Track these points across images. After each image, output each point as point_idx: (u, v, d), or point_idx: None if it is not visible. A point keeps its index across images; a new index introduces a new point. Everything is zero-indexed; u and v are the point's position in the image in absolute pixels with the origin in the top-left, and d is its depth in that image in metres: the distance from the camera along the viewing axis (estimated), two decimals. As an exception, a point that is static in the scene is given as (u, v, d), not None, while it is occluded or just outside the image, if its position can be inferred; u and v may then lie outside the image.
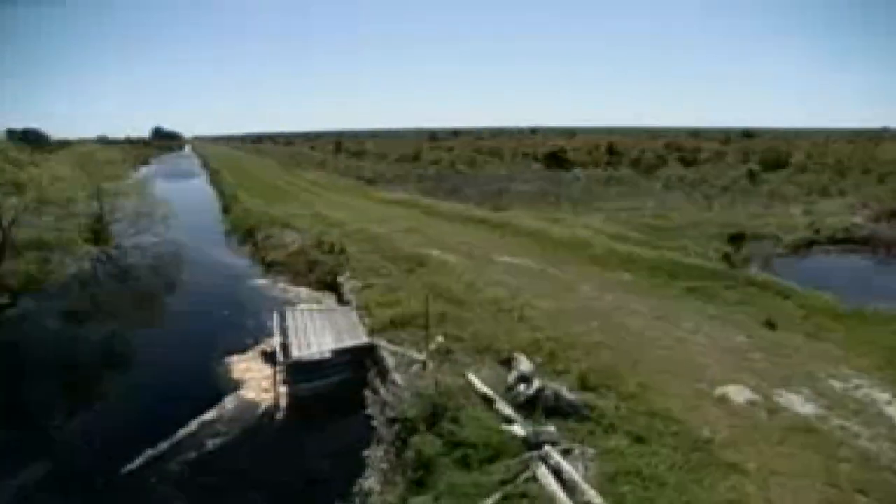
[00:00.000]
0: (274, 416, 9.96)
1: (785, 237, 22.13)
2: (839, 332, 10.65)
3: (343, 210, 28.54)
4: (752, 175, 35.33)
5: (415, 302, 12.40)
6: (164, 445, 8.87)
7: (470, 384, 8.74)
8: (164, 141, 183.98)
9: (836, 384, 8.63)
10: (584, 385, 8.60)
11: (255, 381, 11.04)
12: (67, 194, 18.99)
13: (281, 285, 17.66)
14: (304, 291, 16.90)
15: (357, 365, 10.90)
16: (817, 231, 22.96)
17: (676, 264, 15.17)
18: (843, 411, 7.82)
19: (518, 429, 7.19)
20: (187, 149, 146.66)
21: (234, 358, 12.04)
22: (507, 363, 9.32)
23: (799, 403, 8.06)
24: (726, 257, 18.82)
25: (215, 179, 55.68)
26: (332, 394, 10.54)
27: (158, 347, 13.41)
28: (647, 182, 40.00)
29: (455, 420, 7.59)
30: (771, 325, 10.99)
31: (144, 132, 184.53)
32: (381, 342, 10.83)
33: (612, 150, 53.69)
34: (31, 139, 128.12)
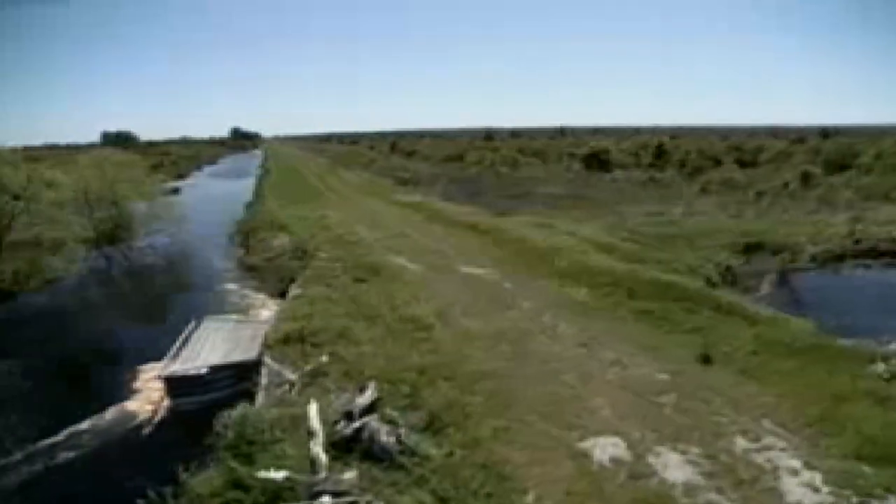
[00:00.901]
0: (143, 430, 9.64)
1: (813, 248, 19.29)
2: (785, 371, 8.76)
3: (349, 212, 28.43)
4: (805, 178, 31.45)
5: (328, 317, 11.79)
6: (17, 455, 8.75)
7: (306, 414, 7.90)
8: (240, 141, 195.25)
9: (741, 442, 6.98)
10: (431, 424, 7.54)
11: (149, 392, 10.81)
12: (58, 198, 19.86)
13: (244, 291, 17.60)
14: (260, 298, 16.70)
15: (245, 381, 10.36)
16: (857, 242, 19.83)
17: (643, 281, 13.40)
18: (726, 481, 6.24)
19: (277, 474, 6.26)
20: (259, 149, 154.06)
21: (147, 367, 11.90)
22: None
23: (675, 467, 6.55)
24: (727, 272, 16.69)
25: (261, 179, 57.76)
26: (214, 409, 10.09)
27: (79, 349, 13.60)
28: (687, 185, 36.94)
29: (248, 456, 6.81)
30: (706, 359, 9.27)
31: (225, 132, 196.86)
32: (267, 359, 10.24)
33: (661, 151, 50.16)
34: (124, 140, 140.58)
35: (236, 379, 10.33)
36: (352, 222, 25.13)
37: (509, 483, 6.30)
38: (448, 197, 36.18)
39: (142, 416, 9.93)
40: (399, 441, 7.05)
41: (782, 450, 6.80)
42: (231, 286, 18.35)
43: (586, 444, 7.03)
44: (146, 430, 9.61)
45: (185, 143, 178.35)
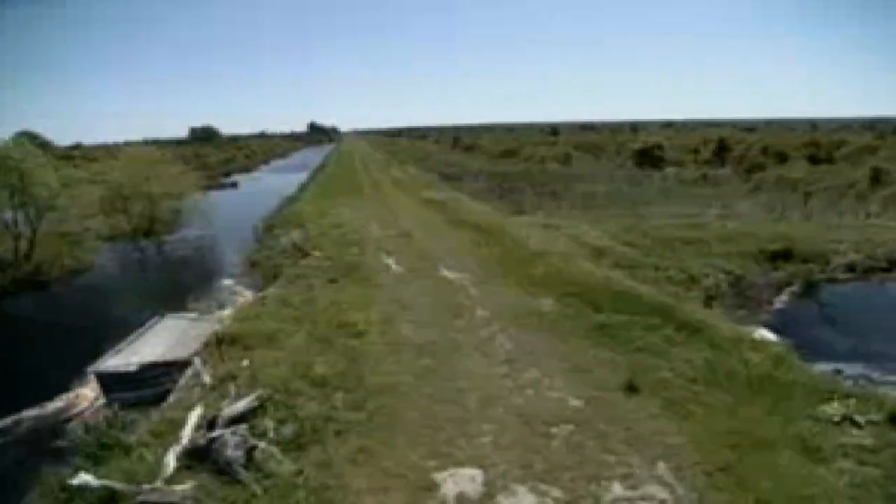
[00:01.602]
0: (69, 423, 10.03)
1: (855, 256, 16.93)
2: (718, 406, 7.59)
3: (372, 209, 28.61)
4: (876, 176, 27.77)
5: (270, 318, 11.78)
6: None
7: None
8: (316, 136, 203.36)
9: (616, 489, 6.08)
10: (299, 439, 7.22)
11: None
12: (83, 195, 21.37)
13: (236, 287, 18.09)
14: (245, 295, 17.07)
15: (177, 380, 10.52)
16: (912, 252, 17.18)
17: (613, 293, 12.28)
18: (569, 534, 5.45)
19: (94, 482, 6.15)
20: (332, 144, 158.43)
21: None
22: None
23: (525, 510, 5.82)
24: (736, 282, 15.06)
25: (314, 173, 59.61)
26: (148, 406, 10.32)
27: (67, 334, 14.43)
28: (741, 183, 33.90)
29: (97, 459, 6.83)
30: (632, 388, 8.24)
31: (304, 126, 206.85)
32: (196, 359, 10.32)
33: (722, 146, 46.34)
34: (208, 135, 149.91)
35: (169, 377, 10.50)
36: (368, 219, 25.26)
37: (334, 512, 5.85)
38: (480, 194, 35.61)
39: (77, 409, 10.35)
40: (249, 455, 6.81)
41: (660, 502, 5.85)
42: (227, 282, 18.94)
43: (440, 476, 6.41)
44: (71, 424, 10.00)
45: (262, 137, 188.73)
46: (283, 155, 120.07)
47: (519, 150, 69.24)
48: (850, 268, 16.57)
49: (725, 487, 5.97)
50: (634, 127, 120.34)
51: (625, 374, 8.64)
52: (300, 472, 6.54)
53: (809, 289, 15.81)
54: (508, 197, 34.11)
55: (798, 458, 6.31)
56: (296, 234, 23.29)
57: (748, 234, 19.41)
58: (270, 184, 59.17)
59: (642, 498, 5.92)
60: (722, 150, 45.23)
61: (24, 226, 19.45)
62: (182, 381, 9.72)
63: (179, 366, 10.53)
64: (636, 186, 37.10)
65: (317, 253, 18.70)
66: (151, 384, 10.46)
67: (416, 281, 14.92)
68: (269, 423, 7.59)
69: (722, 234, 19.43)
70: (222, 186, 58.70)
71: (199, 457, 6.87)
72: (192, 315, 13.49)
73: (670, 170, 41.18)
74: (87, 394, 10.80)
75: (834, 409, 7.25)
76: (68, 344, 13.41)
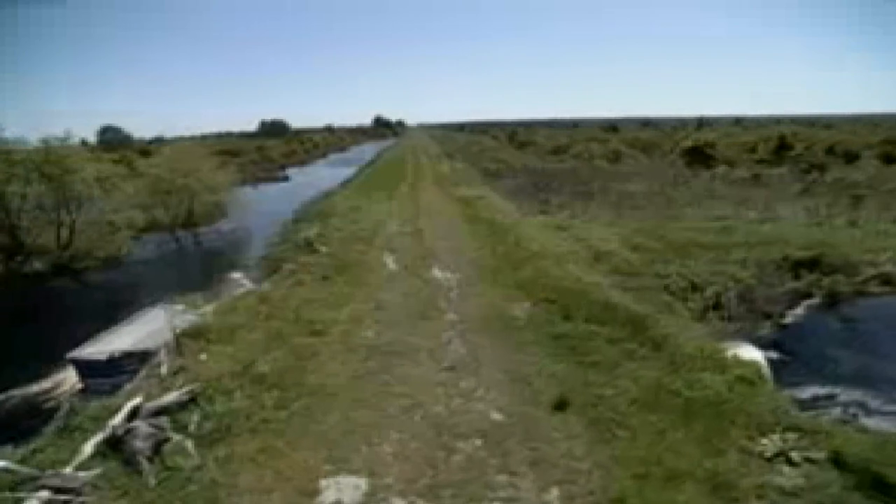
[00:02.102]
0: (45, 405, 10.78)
1: (892, 269, 15.23)
2: (646, 430, 7.05)
3: (400, 204, 28.84)
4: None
5: (241, 313, 12.15)
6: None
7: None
8: (380, 129, 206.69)
9: (492, 513, 5.80)
10: (213, 433, 7.41)
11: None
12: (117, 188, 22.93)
13: (245, 281, 18.71)
14: (248, 288, 17.63)
15: (149, 368, 11.06)
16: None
17: (589, 301, 11.69)
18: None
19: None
20: (394, 138, 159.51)
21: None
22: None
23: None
24: (747, 292, 14.02)
25: (363, 167, 60.53)
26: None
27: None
28: (793, 184, 31.30)
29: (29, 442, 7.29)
30: (562, 404, 7.81)
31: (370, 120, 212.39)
32: (162, 350, 10.81)
33: (783, 145, 42.90)
34: (277, 129, 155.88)
35: (141, 365, 11.05)
36: (391, 215, 25.49)
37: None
38: (514, 192, 35.00)
39: (58, 392, 11.11)
40: (157, 448, 7.06)
41: (531, 530, 5.53)
42: (236, 275, 19.63)
43: (326, 482, 6.37)
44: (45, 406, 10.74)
45: (329, 131, 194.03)
46: (342, 149, 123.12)
47: (569, 147, 67.51)
48: (887, 280, 14.89)
49: (612, 522, 5.54)
50: (700, 123, 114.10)
51: (562, 388, 8.22)
52: (200, 468, 6.70)
53: (832, 302, 14.34)
54: (538, 195, 33.30)
55: (702, 498, 5.74)
56: (313, 229, 23.91)
57: (778, 239, 17.89)
58: (320, 177, 60.44)
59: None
60: (782, 149, 41.88)
61: (65, 216, 21.16)
62: (143, 371, 10.20)
63: (151, 356, 11.05)
64: (680, 186, 35.20)
65: (323, 248, 19.08)
66: (127, 372, 11.02)
67: (406, 280, 14.86)
68: (193, 418, 7.83)
69: (748, 240, 18.00)
70: (275, 179, 61.13)
71: (115, 446, 7.19)
72: (180, 307, 14.09)
73: (720, 169, 38.66)
74: (71, 378, 11.58)
75: (773, 442, 6.54)
76: (93, 321, 14.32)
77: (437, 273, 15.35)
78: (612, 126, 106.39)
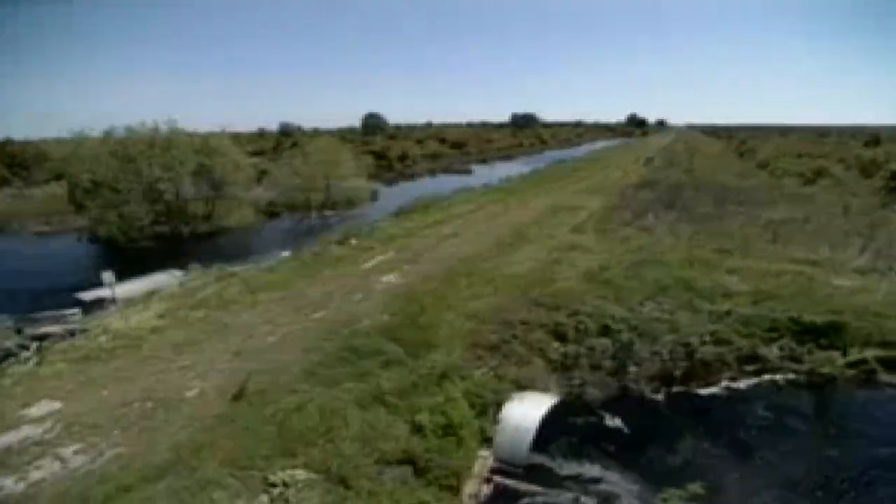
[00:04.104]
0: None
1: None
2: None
3: (501, 212, 28.96)
4: None
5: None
6: None
7: None
8: (628, 127, 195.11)
9: None
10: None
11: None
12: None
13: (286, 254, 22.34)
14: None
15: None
16: None
17: (429, 326, 11.79)
18: None
19: None
20: (641, 137, 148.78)
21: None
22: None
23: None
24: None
25: (549, 167, 60.77)
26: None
27: None
28: None
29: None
30: (241, 394, 8.94)
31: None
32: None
33: None
34: (527, 121, 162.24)
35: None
36: (474, 221, 25.83)
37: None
38: (631, 204, 32.01)
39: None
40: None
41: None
42: (286, 253, 22.93)
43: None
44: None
45: (578, 126, 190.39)
46: (568, 145, 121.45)
47: (771, 161, 56.22)
48: None
49: None
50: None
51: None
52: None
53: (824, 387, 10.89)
54: (655, 210, 29.83)
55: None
56: (386, 222, 26.62)
57: (828, 301, 13.67)
58: (498, 173, 59.66)
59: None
60: None
61: (209, 192, 28.56)
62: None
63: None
64: (853, 216, 26.89)
65: (353, 241, 21.62)
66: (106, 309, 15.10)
67: (385, 292, 15.10)
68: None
69: (796, 294, 14.16)
70: (457, 172, 65.37)
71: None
72: (179, 273, 17.92)
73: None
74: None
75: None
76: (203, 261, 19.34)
77: (422, 285, 15.40)
78: (874, 138, 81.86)
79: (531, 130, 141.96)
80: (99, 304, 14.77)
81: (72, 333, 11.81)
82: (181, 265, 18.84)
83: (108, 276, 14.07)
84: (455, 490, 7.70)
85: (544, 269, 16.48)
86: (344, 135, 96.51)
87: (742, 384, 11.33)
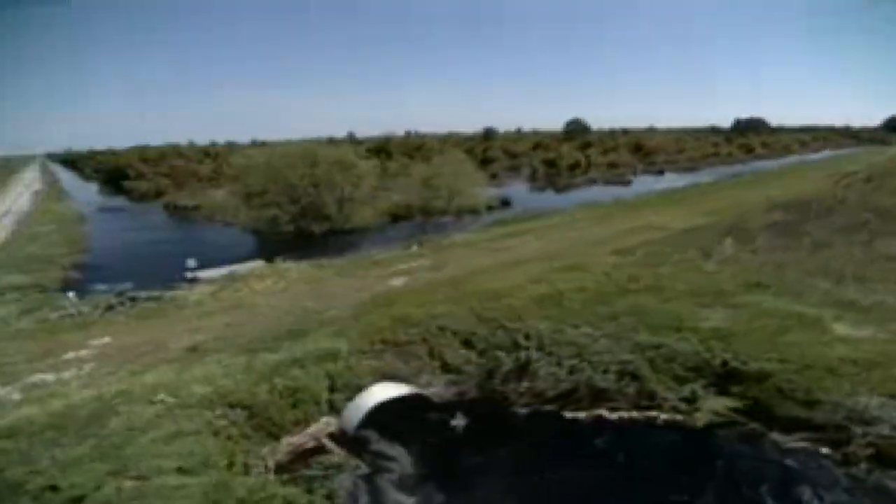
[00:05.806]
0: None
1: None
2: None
3: (578, 232, 29.37)
4: None
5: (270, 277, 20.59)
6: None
7: None
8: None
9: None
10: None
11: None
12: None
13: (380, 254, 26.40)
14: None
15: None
16: None
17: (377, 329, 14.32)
18: None
19: None
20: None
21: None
22: None
23: None
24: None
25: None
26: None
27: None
28: None
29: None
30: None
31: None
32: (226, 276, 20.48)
33: None
34: (754, 126, 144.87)
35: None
36: (540, 237, 26.83)
37: None
38: (751, 227, 28.77)
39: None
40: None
41: None
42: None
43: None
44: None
45: (807, 130, 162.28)
46: (780, 154, 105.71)
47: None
48: None
49: None
50: None
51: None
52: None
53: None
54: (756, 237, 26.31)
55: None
56: (467, 232, 29.18)
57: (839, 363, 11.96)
58: (650, 187, 57.09)
59: None
60: None
61: (340, 195, 34.82)
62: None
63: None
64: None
65: (414, 248, 24.99)
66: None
67: (370, 289, 18.72)
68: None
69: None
70: (615, 183, 63.66)
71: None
72: (260, 262, 23.13)
73: None
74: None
75: None
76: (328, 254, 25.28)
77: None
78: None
79: (744, 137, 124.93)
80: (193, 281, 20.89)
81: (153, 298, 17.50)
82: (302, 256, 24.30)
83: (191, 262, 19.87)
84: (276, 437, 10.43)
85: (522, 287, 17.22)
86: (541, 139, 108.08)
87: (615, 416, 11.36)
